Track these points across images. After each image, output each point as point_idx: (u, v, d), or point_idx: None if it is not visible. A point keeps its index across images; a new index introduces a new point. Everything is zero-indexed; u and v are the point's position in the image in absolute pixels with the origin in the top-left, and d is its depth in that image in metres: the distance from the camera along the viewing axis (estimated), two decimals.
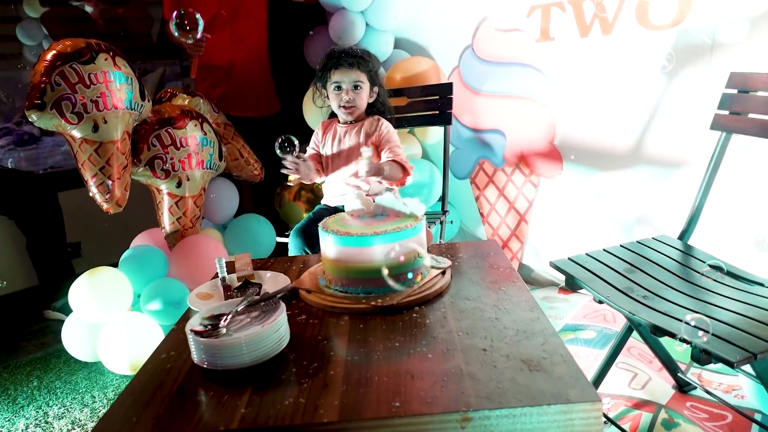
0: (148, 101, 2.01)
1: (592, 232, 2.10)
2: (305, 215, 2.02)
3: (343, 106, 1.75)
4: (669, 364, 1.56)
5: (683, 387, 1.58)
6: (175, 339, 1.00)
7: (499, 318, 0.97)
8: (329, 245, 1.10)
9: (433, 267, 1.18)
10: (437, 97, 2.01)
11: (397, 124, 1.91)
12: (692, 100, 1.78)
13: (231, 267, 1.29)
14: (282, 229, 2.40)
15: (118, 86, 1.84)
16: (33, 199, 2.42)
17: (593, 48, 1.96)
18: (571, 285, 1.28)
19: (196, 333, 0.85)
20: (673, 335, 1.02)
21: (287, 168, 1.67)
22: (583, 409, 0.72)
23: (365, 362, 0.86)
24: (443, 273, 1.16)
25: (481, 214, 2.45)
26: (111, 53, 1.84)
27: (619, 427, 1.40)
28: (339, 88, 1.74)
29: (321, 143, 1.86)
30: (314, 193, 2.67)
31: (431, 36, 2.41)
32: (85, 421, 1.76)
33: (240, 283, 1.17)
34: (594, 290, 1.20)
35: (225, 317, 0.89)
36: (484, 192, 2.41)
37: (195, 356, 0.86)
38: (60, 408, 1.84)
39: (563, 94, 2.07)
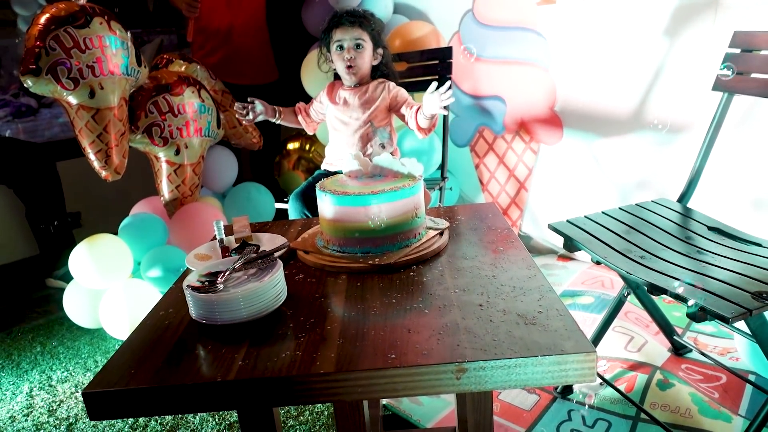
0: (145, 67, 1.98)
1: (592, 198, 2.10)
2: (295, 189, 2.01)
3: (347, 66, 1.72)
4: (665, 327, 1.57)
5: (679, 350, 1.60)
6: (174, 297, 1.00)
7: (496, 276, 0.97)
8: (327, 205, 1.09)
9: (430, 228, 1.18)
10: (437, 61, 1.98)
11: None
12: (695, 62, 1.75)
13: (229, 230, 1.29)
14: (281, 198, 2.40)
15: (113, 51, 1.81)
16: (31, 168, 2.41)
17: (595, 11, 1.92)
18: (569, 247, 1.28)
19: (194, 289, 0.86)
20: (669, 293, 1.02)
21: (240, 113, 1.73)
22: (577, 360, 0.72)
23: (362, 318, 0.86)
24: (441, 234, 1.16)
25: (481, 182, 2.44)
26: (106, 17, 1.81)
27: (614, 387, 1.42)
28: (341, 47, 1.71)
29: (326, 104, 1.84)
30: (313, 162, 2.66)
31: (431, 0, 2.36)
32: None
33: (238, 244, 1.17)
34: (592, 251, 1.20)
35: (222, 274, 0.90)
36: (484, 160, 2.40)
37: (193, 312, 0.87)
38: (63, 372, 1.87)
39: (564, 58, 2.04)
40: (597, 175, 2.08)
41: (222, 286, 0.88)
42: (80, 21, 1.73)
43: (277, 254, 0.98)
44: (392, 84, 1.77)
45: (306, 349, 0.79)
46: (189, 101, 2.05)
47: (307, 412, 1.55)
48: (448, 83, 1.49)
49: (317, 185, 1.13)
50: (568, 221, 1.35)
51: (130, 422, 1.57)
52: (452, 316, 0.84)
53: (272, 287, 0.87)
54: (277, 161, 2.74)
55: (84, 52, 1.73)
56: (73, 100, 1.76)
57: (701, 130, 1.46)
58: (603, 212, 1.40)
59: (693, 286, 1.02)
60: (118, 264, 1.94)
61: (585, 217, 1.37)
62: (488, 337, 0.78)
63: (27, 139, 3.09)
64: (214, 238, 1.27)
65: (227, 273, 0.90)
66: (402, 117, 1.74)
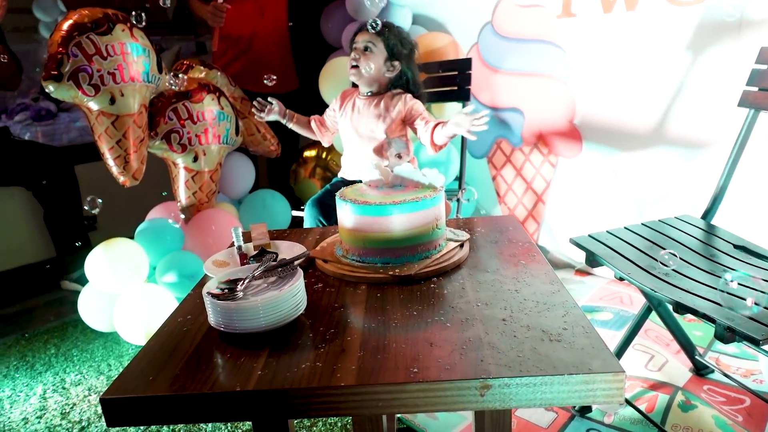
0: (165, 74, 2.00)
1: (611, 213, 2.07)
2: (311, 197, 2.01)
3: (351, 66, 1.71)
4: (687, 346, 1.54)
5: (700, 370, 1.56)
6: (192, 304, 1.00)
7: (519, 290, 0.95)
8: (347, 214, 1.08)
9: (450, 239, 1.16)
10: (456, 72, 1.97)
11: None
12: (718, 78, 1.73)
13: (247, 237, 1.29)
14: (297, 206, 2.40)
15: (135, 58, 1.83)
16: (51, 171, 2.43)
17: (616, 24, 1.91)
18: (591, 262, 1.26)
19: (213, 296, 0.85)
20: (696, 312, 1.00)
21: (255, 108, 1.77)
22: (605, 380, 0.70)
23: (382, 330, 0.85)
24: (461, 246, 1.15)
25: (498, 194, 2.42)
26: (128, 24, 1.83)
27: (635, 408, 1.39)
28: (353, 50, 1.72)
29: (339, 112, 1.84)
30: (329, 170, 2.66)
31: (450, 12, 2.36)
32: (102, 387, 1.78)
33: (256, 251, 1.16)
34: (615, 267, 1.18)
35: (242, 282, 0.89)
36: (501, 172, 2.38)
37: (212, 319, 0.86)
38: (77, 375, 1.87)
39: (584, 71, 2.02)
40: (616, 189, 2.05)
41: (242, 293, 0.87)
42: (103, 28, 1.75)
43: (296, 263, 0.97)
44: (409, 96, 1.76)
45: (326, 361, 0.77)
46: (208, 108, 2.06)
47: (321, 423, 1.53)
48: (484, 111, 1.48)
49: (337, 194, 1.12)
50: (589, 236, 1.32)
51: (142, 428, 1.56)
52: (475, 330, 0.83)
53: (292, 296, 0.86)
54: (293, 169, 2.74)
55: (106, 59, 1.75)
56: (93, 106, 1.78)
57: (722, 147, 1.44)
58: (625, 227, 1.37)
59: (720, 305, 1.00)
60: (135, 269, 1.94)
61: (607, 232, 1.35)
62: (513, 353, 0.76)
63: (46, 142, 3.13)
64: (232, 244, 1.27)
65: (247, 281, 0.89)
66: (415, 130, 1.73)
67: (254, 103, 1.77)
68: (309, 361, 0.77)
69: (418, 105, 1.75)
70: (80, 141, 3.32)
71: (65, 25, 1.72)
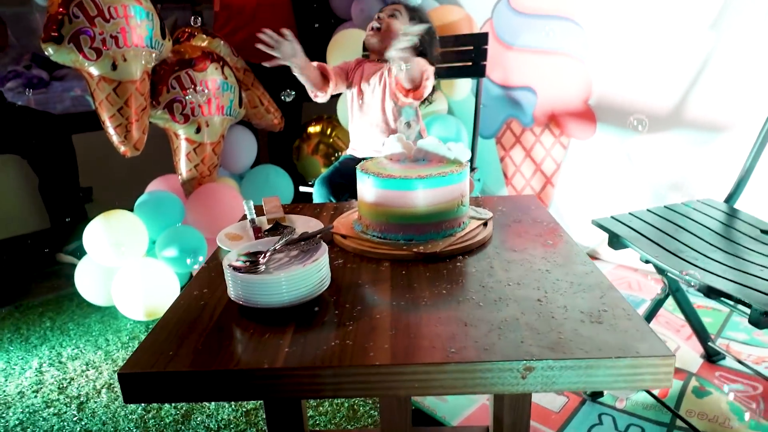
0: (168, 40, 1.92)
1: (622, 197, 2.03)
2: (323, 169, 1.95)
3: (372, 28, 1.64)
4: (700, 332, 1.52)
5: (712, 357, 1.54)
6: (206, 277, 0.95)
7: (550, 270, 0.92)
8: (368, 188, 1.03)
9: (473, 218, 1.12)
10: (471, 47, 1.91)
11: None
12: (743, 57, 1.68)
13: (258, 211, 1.24)
14: (299, 183, 2.34)
15: (138, 22, 1.75)
16: (47, 139, 2.35)
17: (638, 1, 1.85)
18: (615, 244, 1.22)
19: (235, 268, 0.80)
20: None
21: (264, 44, 1.46)
22: (653, 364, 0.67)
23: (412, 308, 0.81)
24: (485, 225, 1.11)
25: (505, 175, 2.38)
26: None
27: (649, 393, 1.37)
28: (378, 18, 1.66)
29: (351, 76, 1.77)
30: (333, 147, 2.60)
31: None
32: (99, 362, 1.74)
33: (270, 225, 1.11)
34: (640, 249, 1.15)
35: (263, 254, 0.84)
36: (510, 152, 2.33)
37: (232, 293, 0.81)
38: (74, 349, 1.82)
39: (602, 50, 1.97)
40: (629, 173, 2.01)
41: (264, 267, 0.82)
42: None
43: (318, 236, 0.92)
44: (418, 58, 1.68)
45: (356, 339, 0.73)
46: (212, 78, 1.99)
47: (327, 403, 1.50)
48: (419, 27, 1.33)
49: (358, 167, 1.07)
50: (612, 217, 1.29)
51: (143, 404, 1.52)
52: (510, 310, 0.79)
53: (317, 271, 0.82)
54: (296, 145, 2.68)
55: (108, 21, 1.67)
56: (94, 71, 1.70)
57: (742, 130, 1.41)
58: (648, 210, 1.34)
59: (753, 290, 0.97)
60: (134, 242, 1.88)
61: (630, 214, 1.31)
62: (553, 334, 0.72)
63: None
64: (244, 217, 1.22)
65: (269, 253, 0.85)
66: (394, 94, 1.62)
67: (265, 38, 1.47)
68: (338, 339, 0.73)
69: (419, 63, 1.59)
70: (74, 110, 3.22)
71: None
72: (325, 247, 0.87)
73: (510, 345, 0.70)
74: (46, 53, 1.65)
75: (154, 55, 1.84)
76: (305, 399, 0.84)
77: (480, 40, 1.89)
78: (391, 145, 1.13)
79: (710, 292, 1.00)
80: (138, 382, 0.69)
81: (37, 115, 2.46)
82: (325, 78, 1.69)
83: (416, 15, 1.68)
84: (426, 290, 0.86)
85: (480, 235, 1.05)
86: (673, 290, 1.37)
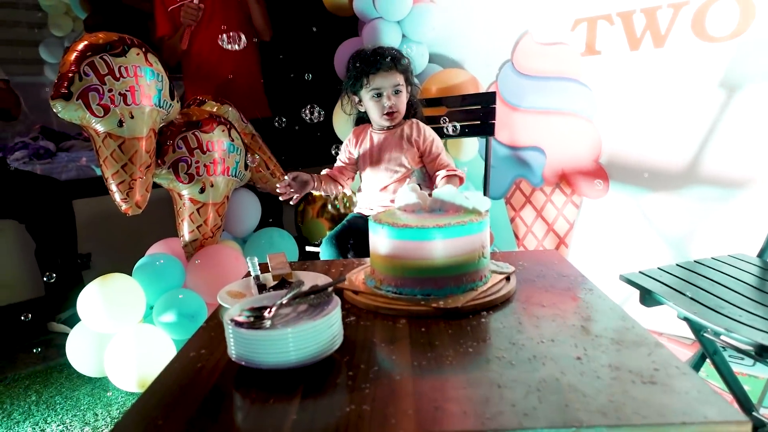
0: (177, 102, 1.92)
1: (639, 256, 1.95)
2: (328, 233, 1.89)
3: (386, 114, 1.64)
4: (743, 400, 1.39)
5: (758, 428, 1.40)
6: (205, 337, 0.86)
7: (586, 326, 0.83)
8: (382, 240, 0.96)
9: (494, 272, 1.04)
10: (479, 106, 1.90)
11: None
12: (756, 115, 1.66)
13: (263, 269, 1.17)
14: (303, 246, 2.27)
15: (148, 82, 1.75)
16: (46, 203, 2.30)
17: (644, 62, 1.86)
18: (647, 301, 1.13)
19: (238, 324, 0.72)
20: None
21: (282, 194, 1.59)
22: (728, 431, 0.57)
23: (436, 368, 0.72)
24: (507, 279, 1.03)
25: (516, 237, 2.31)
26: (143, 49, 1.77)
27: None
28: (379, 95, 1.64)
29: (356, 149, 1.76)
30: (338, 210, 2.55)
31: (468, 50, 2.33)
32: None
33: (276, 281, 1.03)
34: (678, 306, 1.05)
35: (269, 309, 0.76)
36: (520, 213, 2.28)
37: (233, 352, 0.72)
38: (59, 425, 1.68)
39: (611, 109, 1.96)
40: (645, 231, 1.94)
41: (270, 321, 0.74)
42: (118, 50, 1.68)
43: (330, 289, 0.84)
44: (427, 129, 1.69)
45: (374, 404, 0.64)
46: (218, 139, 1.97)
47: None
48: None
49: (370, 218, 1.01)
50: (641, 272, 1.21)
51: None
52: (547, 370, 0.70)
53: (328, 327, 0.73)
54: (301, 209, 2.63)
55: (118, 80, 1.67)
56: (100, 128, 1.68)
57: (763, 185, 1.35)
58: (677, 264, 1.26)
59: None
60: (131, 307, 1.79)
61: (658, 268, 1.23)
62: (602, 397, 0.63)
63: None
64: (247, 275, 1.14)
65: (275, 308, 0.76)
66: (429, 166, 1.68)
67: (282, 184, 1.59)
68: (354, 404, 0.64)
69: (436, 143, 1.68)
70: (77, 176, 3.23)
71: (80, 46, 1.65)
72: (337, 300, 0.79)
73: (554, 409, 0.61)
74: (54, 110, 1.63)
75: (161, 114, 1.83)
76: None
77: (488, 100, 1.89)
78: (404, 195, 1.07)
79: (763, 351, 0.90)
80: None
81: (37, 179, 2.43)
82: (340, 172, 1.79)
83: (405, 63, 1.67)
84: (449, 348, 0.77)
85: (504, 290, 0.97)
86: (711, 353, 1.26)
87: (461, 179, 1.59)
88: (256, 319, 0.74)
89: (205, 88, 2.52)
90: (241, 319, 0.73)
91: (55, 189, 2.37)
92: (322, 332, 0.72)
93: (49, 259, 2.38)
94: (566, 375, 0.68)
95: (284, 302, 0.79)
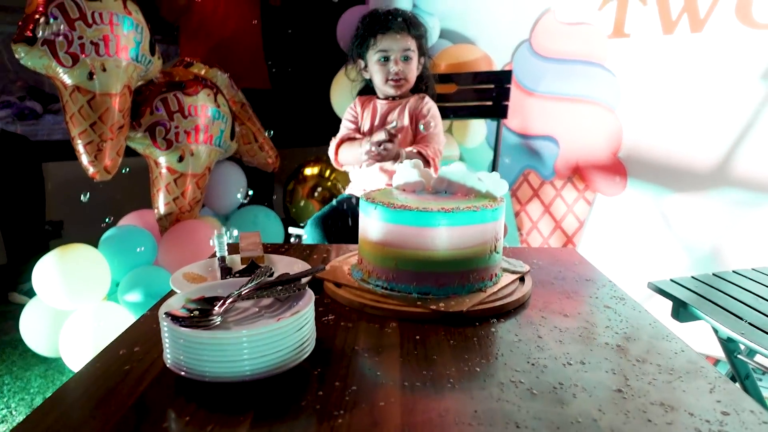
0: (159, 59, 1.73)
1: (655, 262, 1.79)
2: (315, 214, 1.72)
3: (392, 80, 1.46)
4: None
5: None
6: (145, 330, 0.69)
7: (623, 346, 0.66)
8: (374, 223, 0.79)
9: (507, 270, 0.87)
10: (492, 86, 1.72)
11: (443, 114, 1.62)
12: None
13: (233, 249, 0.99)
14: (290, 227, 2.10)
15: (125, 32, 1.56)
16: (12, 164, 2.12)
17: (678, 47, 1.68)
18: (681, 315, 0.96)
19: (176, 319, 0.54)
20: None
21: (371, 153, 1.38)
22: None
23: (433, 392, 0.55)
24: (521, 280, 0.86)
25: (519, 232, 2.15)
26: None
27: None
28: (386, 58, 1.46)
29: (360, 117, 1.57)
30: (331, 191, 2.37)
31: (482, 27, 2.14)
32: None
33: (244, 265, 0.86)
34: (721, 324, 0.89)
35: (222, 301, 0.59)
36: (526, 207, 2.11)
37: (168, 356, 0.55)
38: (2, 409, 1.51)
39: (636, 98, 1.79)
40: (664, 234, 1.78)
41: (219, 318, 0.57)
42: None
43: (304, 280, 0.67)
44: (432, 106, 1.52)
45: None
46: (202, 104, 1.79)
47: None
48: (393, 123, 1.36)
49: (362, 196, 0.84)
50: (672, 281, 1.04)
51: None
52: (580, 404, 0.53)
53: (297, 329, 0.56)
54: (291, 188, 2.45)
55: (90, 26, 1.48)
56: (68, 79, 1.49)
57: None
58: (713, 274, 1.09)
59: None
60: (93, 282, 1.61)
61: (692, 278, 1.06)
62: None
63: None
64: (213, 255, 0.97)
65: (229, 301, 0.59)
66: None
67: (378, 139, 1.36)
68: None
69: (438, 124, 1.50)
70: (50, 138, 3.05)
71: None
72: (310, 294, 0.62)
73: None
74: (16, 55, 1.45)
75: (139, 71, 1.64)
76: None
77: (502, 79, 1.71)
78: (404, 172, 0.89)
79: None
80: None
81: (4, 137, 2.24)
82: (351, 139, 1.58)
83: (424, 35, 1.50)
84: (451, 365, 0.60)
85: (517, 293, 0.80)
86: (742, 377, 1.10)
87: (432, 166, 1.41)
88: (201, 314, 0.56)
89: (201, 52, 2.32)
90: (181, 313, 0.56)
91: (23, 149, 2.18)
92: (288, 336, 0.55)
93: (15, 225, 2.20)
94: (605, 414, 0.51)
95: (243, 294, 0.61)
